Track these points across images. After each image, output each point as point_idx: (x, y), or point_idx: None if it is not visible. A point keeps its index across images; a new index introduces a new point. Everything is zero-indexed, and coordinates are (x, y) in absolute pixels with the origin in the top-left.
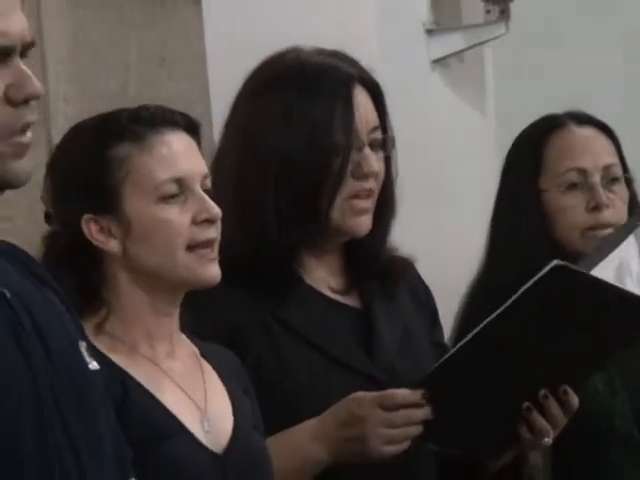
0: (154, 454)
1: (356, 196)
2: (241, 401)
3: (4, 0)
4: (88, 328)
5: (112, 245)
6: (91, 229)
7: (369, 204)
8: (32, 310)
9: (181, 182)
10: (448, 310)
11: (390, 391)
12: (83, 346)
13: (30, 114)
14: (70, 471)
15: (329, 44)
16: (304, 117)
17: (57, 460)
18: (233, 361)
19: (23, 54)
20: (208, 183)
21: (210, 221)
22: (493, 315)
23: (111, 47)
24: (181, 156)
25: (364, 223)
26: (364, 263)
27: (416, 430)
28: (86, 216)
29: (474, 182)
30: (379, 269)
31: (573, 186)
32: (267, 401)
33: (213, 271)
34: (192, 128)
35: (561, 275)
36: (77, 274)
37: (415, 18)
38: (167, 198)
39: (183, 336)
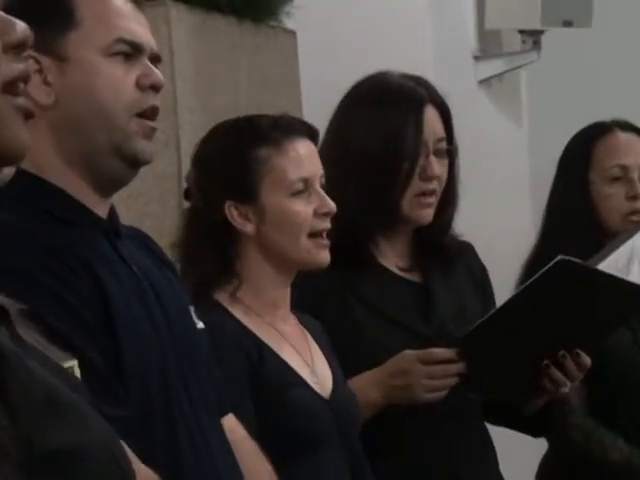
0: (283, 400)
1: (422, 194)
2: (332, 358)
3: (140, 16)
4: (223, 297)
5: (248, 228)
6: (232, 213)
7: (432, 200)
8: (153, 282)
9: (306, 181)
10: None
11: (429, 349)
12: (192, 309)
13: (154, 99)
14: (187, 411)
15: (396, 68)
16: (382, 127)
17: (177, 405)
18: (319, 326)
19: (152, 63)
20: (323, 181)
21: (328, 214)
22: (514, 294)
23: (226, 69)
24: (307, 159)
25: (427, 215)
26: (427, 247)
27: (452, 381)
28: (229, 202)
29: (510, 180)
30: (440, 252)
31: (616, 179)
32: (341, 360)
33: (325, 256)
34: (313, 136)
35: (565, 266)
36: (217, 248)
37: (464, 46)
38: (296, 193)
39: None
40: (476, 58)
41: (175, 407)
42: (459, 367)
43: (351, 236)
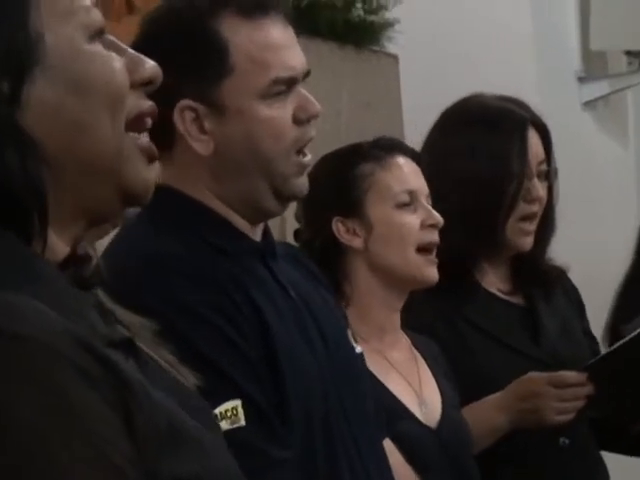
0: (390, 432)
1: (524, 218)
2: (444, 384)
3: (288, 36)
4: None
5: (356, 242)
6: (339, 229)
7: (533, 226)
8: (310, 306)
9: (412, 194)
10: (595, 302)
11: (560, 372)
12: (349, 333)
13: (311, 131)
14: (348, 444)
15: (500, 90)
16: (487, 150)
17: (339, 440)
18: (435, 349)
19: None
20: (430, 200)
21: (435, 226)
22: None
23: (327, 94)
24: (411, 174)
25: (528, 242)
26: (527, 271)
27: (581, 404)
28: (336, 218)
29: (617, 202)
30: (539, 276)
31: None
32: (456, 383)
33: (434, 273)
34: (415, 155)
35: None
36: (326, 269)
37: (569, 68)
38: (402, 205)
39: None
40: (580, 80)
41: (337, 442)
42: (588, 390)
43: (457, 262)
